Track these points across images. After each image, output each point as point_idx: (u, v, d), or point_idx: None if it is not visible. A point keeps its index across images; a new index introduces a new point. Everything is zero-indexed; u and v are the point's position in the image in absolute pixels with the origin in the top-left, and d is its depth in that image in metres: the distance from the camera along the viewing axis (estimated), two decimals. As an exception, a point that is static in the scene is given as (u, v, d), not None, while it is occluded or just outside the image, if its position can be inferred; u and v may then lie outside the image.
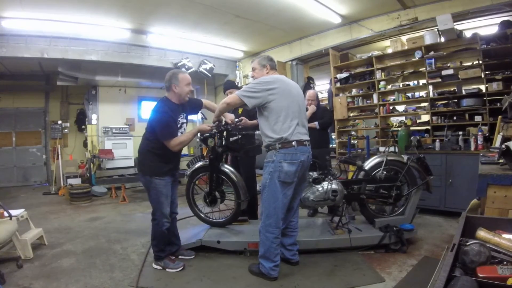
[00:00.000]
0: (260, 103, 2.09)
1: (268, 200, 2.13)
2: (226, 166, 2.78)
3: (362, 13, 4.62)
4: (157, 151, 2.27)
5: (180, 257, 2.53)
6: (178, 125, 2.33)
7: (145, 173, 2.31)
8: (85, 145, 6.78)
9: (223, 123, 2.48)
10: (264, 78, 2.16)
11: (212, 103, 2.69)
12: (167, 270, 2.33)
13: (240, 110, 3.16)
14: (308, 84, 5.94)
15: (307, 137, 2.22)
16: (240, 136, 2.52)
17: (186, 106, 2.40)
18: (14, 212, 2.70)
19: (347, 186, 2.74)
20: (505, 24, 3.56)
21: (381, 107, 4.61)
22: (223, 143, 2.55)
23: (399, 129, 4.18)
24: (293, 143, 2.09)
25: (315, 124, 3.60)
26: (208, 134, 2.50)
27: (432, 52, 4.05)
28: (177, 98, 2.30)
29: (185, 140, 2.31)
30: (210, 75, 6.43)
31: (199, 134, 2.53)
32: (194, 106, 2.54)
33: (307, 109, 3.70)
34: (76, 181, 5.81)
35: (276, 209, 2.11)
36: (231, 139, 2.53)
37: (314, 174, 2.73)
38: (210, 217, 2.98)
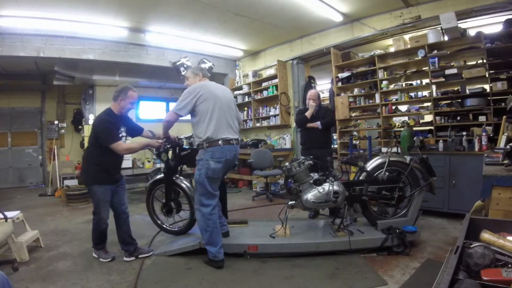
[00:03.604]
0: (190, 109, 2.37)
1: (203, 194, 2.39)
2: (180, 178, 2.98)
3: (364, 11, 4.56)
4: (98, 161, 2.51)
5: (139, 256, 2.68)
6: (120, 135, 2.60)
7: (87, 181, 2.59)
8: (82, 145, 6.72)
9: (172, 139, 2.76)
10: (191, 87, 2.42)
11: (149, 134, 2.96)
12: (100, 259, 2.62)
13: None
14: (309, 84, 5.89)
15: (234, 136, 2.45)
16: (190, 151, 2.81)
17: (126, 122, 2.72)
18: (9, 214, 2.66)
19: (348, 187, 2.71)
20: (509, 23, 3.49)
21: (384, 107, 4.54)
22: (175, 157, 2.85)
23: (402, 129, 4.14)
24: (220, 142, 2.34)
25: (317, 124, 3.55)
26: (162, 150, 2.77)
27: (435, 51, 3.98)
28: (119, 109, 2.60)
29: (133, 147, 2.63)
30: (209, 75, 6.26)
31: (154, 150, 2.81)
32: (135, 128, 2.85)
33: (307, 109, 3.66)
34: (73, 183, 5.75)
35: (210, 199, 2.39)
36: (182, 153, 2.84)
37: (316, 175, 2.69)
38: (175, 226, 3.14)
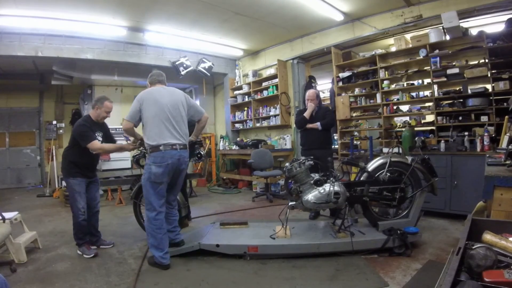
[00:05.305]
0: (138, 118, 2.47)
1: (148, 198, 2.44)
2: None
3: (365, 11, 4.55)
4: (72, 158, 2.78)
5: (101, 246, 2.92)
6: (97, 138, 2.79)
7: (64, 176, 2.85)
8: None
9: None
10: (137, 96, 2.51)
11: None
12: (84, 255, 2.70)
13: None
14: (309, 84, 5.86)
15: (178, 141, 2.47)
16: None
17: (103, 129, 2.96)
18: (7, 214, 2.66)
19: (349, 188, 2.69)
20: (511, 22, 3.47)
21: (385, 107, 4.51)
22: None
23: (403, 129, 4.12)
24: (161, 147, 2.40)
25: (317, 124, 3.52)
26: (139, 155, 3.00)
27: (437, 51, 3.95)
28: (95, 116, 2.87)
29: (107, 148, 2.92)
30: (209, 74, 6.35)
31: (134, 159, 3.10)
32: (110, 138, 3.06)
33: (306, 109, 3.63)
34: (72, 183, 5.73)
35: (154, 204, 2.42)
36: None
37: (316, 176, 2.67)
38: None
